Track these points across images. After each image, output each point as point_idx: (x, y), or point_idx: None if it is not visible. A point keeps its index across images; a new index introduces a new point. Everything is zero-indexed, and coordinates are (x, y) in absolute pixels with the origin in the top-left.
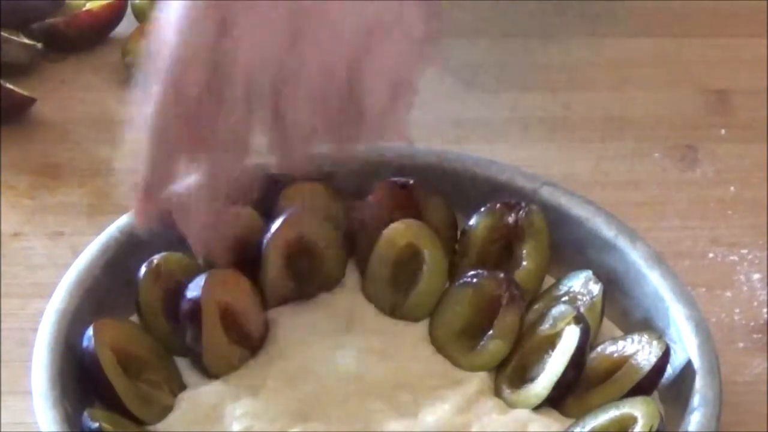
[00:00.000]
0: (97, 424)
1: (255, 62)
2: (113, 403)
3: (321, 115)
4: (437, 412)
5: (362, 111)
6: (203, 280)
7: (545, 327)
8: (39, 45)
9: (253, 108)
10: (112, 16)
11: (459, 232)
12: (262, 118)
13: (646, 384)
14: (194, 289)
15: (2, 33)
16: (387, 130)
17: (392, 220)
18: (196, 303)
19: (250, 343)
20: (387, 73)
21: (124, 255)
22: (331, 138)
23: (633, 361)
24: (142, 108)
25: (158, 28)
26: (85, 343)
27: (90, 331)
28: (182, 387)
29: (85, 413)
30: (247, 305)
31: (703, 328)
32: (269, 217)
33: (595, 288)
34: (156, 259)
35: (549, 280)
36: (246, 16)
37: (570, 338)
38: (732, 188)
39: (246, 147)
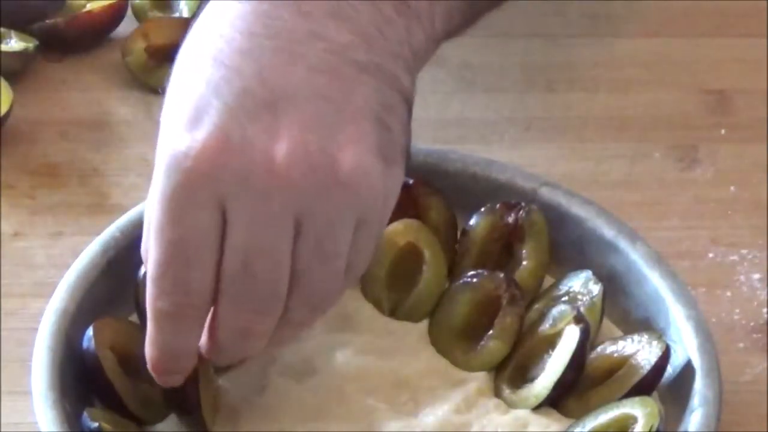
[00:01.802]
0: (97, 424)
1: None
2: (113, 403)
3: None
4: (437, 412)
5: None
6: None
7: (545, 327)
8: (31, 46)
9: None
10: (112, 17)
11: (459, 232)
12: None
13: (646, 384)
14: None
15: None
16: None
17: (392, 220)
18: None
19: None
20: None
21: (124, 255)
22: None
23: (633, 361)
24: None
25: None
26: (85, 343)
27: (90, 331)
28: None
29: (85, 413)
30: None
31: (703, 328)
32: None
33: (595, 288)
34: None
35: (549, 280)
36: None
37: (570, 338)
38: (732, 188)
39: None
